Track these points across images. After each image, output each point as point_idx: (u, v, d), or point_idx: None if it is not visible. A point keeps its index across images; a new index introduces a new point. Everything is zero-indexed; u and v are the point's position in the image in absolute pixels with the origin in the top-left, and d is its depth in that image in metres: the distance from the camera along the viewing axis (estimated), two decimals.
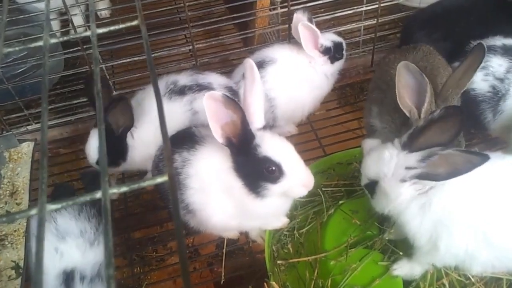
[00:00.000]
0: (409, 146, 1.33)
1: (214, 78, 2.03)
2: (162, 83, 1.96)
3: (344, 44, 2.25)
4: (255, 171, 1.44)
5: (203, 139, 1.58)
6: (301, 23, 2.02)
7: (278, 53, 2.16)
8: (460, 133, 1.32)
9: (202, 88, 1.95)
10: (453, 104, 1.55)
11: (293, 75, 2.14)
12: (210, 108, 1.34)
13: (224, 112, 1.35)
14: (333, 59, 2.19)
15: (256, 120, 1.46)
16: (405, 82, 1.52)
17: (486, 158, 1.21)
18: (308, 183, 1.46)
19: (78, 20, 2.55)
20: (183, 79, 1.98)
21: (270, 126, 2.05)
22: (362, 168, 1.48)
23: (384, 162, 1.37)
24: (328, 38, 2.19)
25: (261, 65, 2.09)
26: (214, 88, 1.96)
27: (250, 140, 1.42)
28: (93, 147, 1.89)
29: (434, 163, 1.28)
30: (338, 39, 2.23)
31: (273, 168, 1.41)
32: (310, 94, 2.20)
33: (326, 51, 2.15)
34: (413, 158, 1.32)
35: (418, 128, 1.31)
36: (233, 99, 1.35)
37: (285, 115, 2.17)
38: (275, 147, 1.43)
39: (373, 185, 1.44)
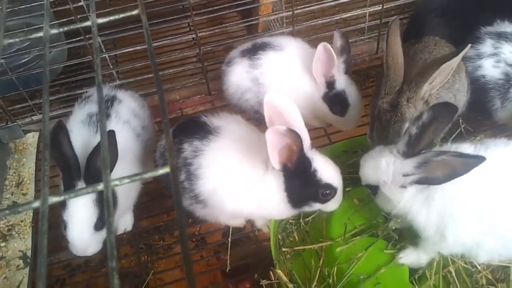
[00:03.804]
0: (407, 154, 1.34)
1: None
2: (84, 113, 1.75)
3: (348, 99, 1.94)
4: (309, 193, 1.50)
5: (216, 129, 1.57)
6: (323, 44, 1.78)
7: (287, 47, 1.99)
8: (449, 125, 1.36)
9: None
10: (418, 89, 1.55)
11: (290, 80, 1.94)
12: (273, 140, 1.33)
13: (280, 139, 1.35)
14: (329, 103, 1.94)
15: (304, 142, 1.43)
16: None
17: (481, 160, 1.21)
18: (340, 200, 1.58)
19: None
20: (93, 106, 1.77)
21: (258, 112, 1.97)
22: (361, 173, 1.49)
23: (382, 171, 1.38)
24: (342, 84, 1.92)
25: (264, 46, 1.99)
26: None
27: (308, 166, 1.45)
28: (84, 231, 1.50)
29: (430, 168, 1.28)
30: (347, 91, 1.93)
31: (330, 192, 1.50)
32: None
33: (330, 87, 1.92)
34: (409, 165, 1.32)
35: (414, 136, 1.32)
36: (296, 132, 1.32)
37: None
38: (332, 172, 1.50)
39: (374, 187, 1.45)
